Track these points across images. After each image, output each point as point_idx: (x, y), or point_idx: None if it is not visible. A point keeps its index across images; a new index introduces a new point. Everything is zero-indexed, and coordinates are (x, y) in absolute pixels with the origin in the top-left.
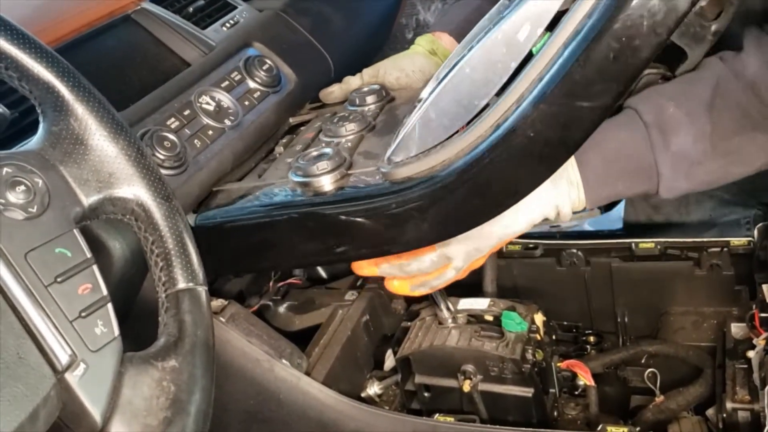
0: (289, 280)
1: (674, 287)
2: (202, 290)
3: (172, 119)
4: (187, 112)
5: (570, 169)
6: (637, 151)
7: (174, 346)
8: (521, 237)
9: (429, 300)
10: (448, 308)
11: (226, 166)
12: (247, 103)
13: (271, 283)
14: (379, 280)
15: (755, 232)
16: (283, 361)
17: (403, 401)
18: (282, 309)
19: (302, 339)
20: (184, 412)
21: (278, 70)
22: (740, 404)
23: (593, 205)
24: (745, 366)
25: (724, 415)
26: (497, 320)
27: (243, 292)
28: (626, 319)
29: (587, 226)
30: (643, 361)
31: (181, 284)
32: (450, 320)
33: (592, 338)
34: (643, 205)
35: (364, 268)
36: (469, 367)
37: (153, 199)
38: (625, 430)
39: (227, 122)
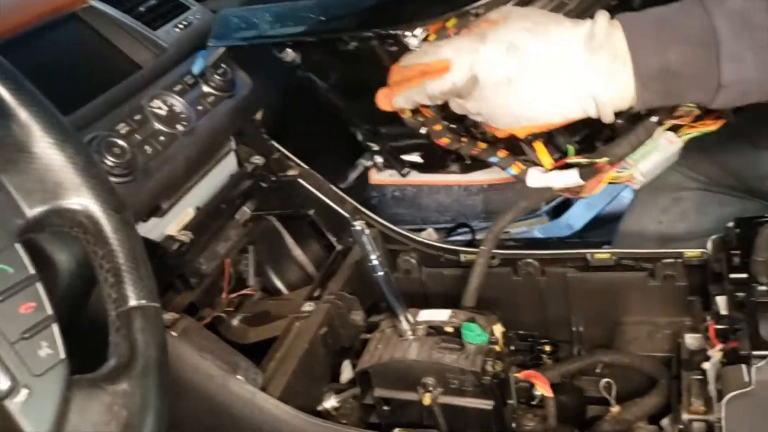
0: (243, 291)
1: (629, 297)
2: (155, 307)
3: (122, 124)
4: (137, 117)
5: (616, 40)
6: (690, 13)
7: (125, 368)
8: (516, 240)
9: (388, 311)
10: (407, 320)
11: (179, 174)
12: (200, 107)
13: (224, 295)
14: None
15: (709, 244)
16: (238, 376)
17: (361, 415)
18: (236, 321)
19: (257, 352)
20: None
21: (233, 74)
22: (696, 415)
23: (642, 92)
24: (701, 377)
25: (681, 426)
26: (457, 332)
27: (195, 303)
28: (581, 329)
29: (537, 233)
30: (598, 370)
31: (133, 302)
32: (410, 332)
33: (547, 348)
34: (653, 210)
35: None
36: (429, 380)
37: (102, 211)
38: None
39: (180, 128)
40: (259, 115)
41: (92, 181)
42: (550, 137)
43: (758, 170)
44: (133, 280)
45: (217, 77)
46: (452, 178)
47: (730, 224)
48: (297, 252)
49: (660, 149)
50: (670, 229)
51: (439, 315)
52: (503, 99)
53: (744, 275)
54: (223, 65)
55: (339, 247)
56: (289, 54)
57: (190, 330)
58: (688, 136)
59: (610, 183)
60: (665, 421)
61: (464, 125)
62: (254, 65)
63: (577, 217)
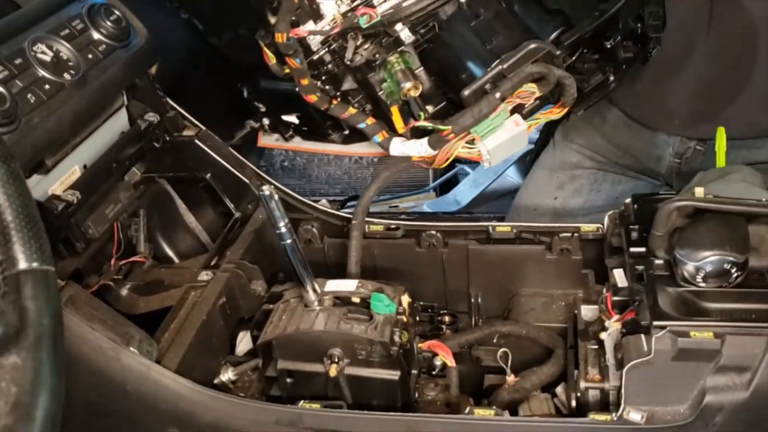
0: (133, 258)
1: (526, 270)
2: (49, 271)
3: (0, 68)
4: (18, 61)
5: None
6: None
7: (15, 339)
8: (382, 217)
9: (287, 282)
10: (315, 290)
11: (65, 127)
12: (90, 56)
13: (112, 261)
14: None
15: (606, 220)
16: (131, 348)
17: (262, 388)
18: (125, 290)
19: (149, 323)
20: (28, 418)
21: (127, 23)
22: (592, 383)
23: None
24: (596, 347)
25: (579, 394)
26: (364, 302)
27: (80, 270)
28: (479, 300)
29: (426, 208)
30: (495, 340)
31: (23, 264)
32: (316, 303)
33: (447, 318)
34: (549, 186)
35: None
36: (336, 351)
37: None
38: (491, 412)
39: (67, 76)
40: (153, 70)
41: None
42: (407, 105)
43: (654, 151)
44: (23, 239)
45: (110, 24)
46: (332, 148)
47: (628, 200)
48: (189, 218)
49: (506, 129)
50: (565, 204)
51: (346, 285)
52: None
53: (642, 249)
54: (116, 11)
55: (237, 214)
56: None
57: (78, 298)
58: (536, 122)
59: (463, 159)
60: (560, 389)
61: (340, 89)
62: (151, 16)
63: (463, 193)
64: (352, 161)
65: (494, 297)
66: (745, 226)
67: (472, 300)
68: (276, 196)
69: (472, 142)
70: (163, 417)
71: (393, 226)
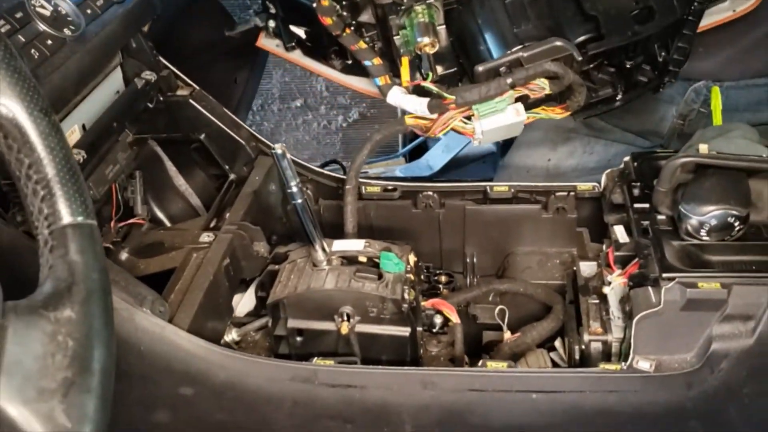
0: (132, 220)
1: (521, 229)
2: (93, 225)
3: (1, 21)
4: (19, 15)
5: None
6: None
7: (67, 293)
8: (379, 179)
9: (301, 241)
10: (324, 249)
11: (70, 84)
12: (89, 11)
13: (112, 224)
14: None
15: (603, 178)
16: (144, 309)
17: (268, 347)
18: (125, 253)
19: (150, 285)
20: (87, 370)
21: None
22: (594, 336)
23: None
24: (597, 301)
25: (583, 346)
26: (371, 261)
27: None
28: (475, 260)
29: (398, 173)
30: (490, 298)
31: (68, 218)
32: (325, 262)
33: (443, 278)
34: (543, 147)
35: None
36: (348, 309)
37: (28, 113)
38: (504, 365)
39: (68, 32)
40: (145, 28)
41: (14, 76)
42: (418, 59)
43: (658, 112)
44: (67, 193)
45: None
46: (330, 73)
47: (627, 158)
48: (179, 181)
49: (506, 114)
50: (558, 165)
51: (354, 245)
52: None
53: (645, 205)
54: None
55: (232, 176)
56: None
57: None
58: (536, 116)
59: (454, 131)
60: (558, 343)
61: (357, 19)
62: None
63: (436, 158)
64: (321, 126)
65: (489, 256)
66: (747, 181)
67: (467, 260)
68: (288, 155)
69: (469, 118)
70: (176, 376)
71: (390, 187)
